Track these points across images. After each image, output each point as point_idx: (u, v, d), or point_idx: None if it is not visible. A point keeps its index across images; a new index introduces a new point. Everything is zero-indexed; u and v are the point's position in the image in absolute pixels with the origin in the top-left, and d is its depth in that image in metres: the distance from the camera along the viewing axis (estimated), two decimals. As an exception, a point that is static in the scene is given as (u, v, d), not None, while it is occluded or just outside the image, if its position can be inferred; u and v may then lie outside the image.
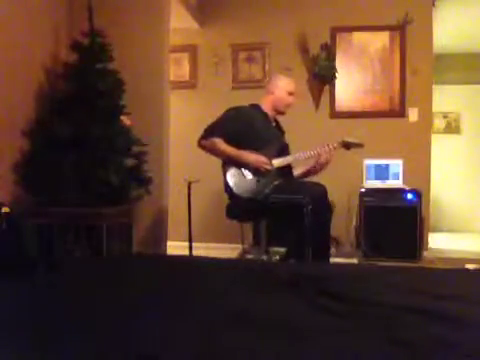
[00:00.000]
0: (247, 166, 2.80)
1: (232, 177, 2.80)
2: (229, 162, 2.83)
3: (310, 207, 2.56)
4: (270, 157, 2.84)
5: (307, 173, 3.03)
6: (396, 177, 3.99)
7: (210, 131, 2.87)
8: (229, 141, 2.83)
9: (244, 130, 2.85)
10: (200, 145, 2.92)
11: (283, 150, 2.95)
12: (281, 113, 3.06)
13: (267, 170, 2.79)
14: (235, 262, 2.33)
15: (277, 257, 2.93)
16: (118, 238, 2.89)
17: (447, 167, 6.01)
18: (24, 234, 2.00)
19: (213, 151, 2.89)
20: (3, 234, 1.90)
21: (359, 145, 2.97)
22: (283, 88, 3.00)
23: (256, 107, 3.03)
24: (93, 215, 2.68)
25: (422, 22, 4.18)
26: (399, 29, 4.22)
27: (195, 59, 4.58)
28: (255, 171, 2.80)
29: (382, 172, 4.01)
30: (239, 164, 2.81)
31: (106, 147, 2.76)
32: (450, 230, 5.74)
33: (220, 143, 2.83)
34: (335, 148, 2.89)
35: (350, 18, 4.29)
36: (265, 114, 3.02)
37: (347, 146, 2.94)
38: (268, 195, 2.73)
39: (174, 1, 3.69)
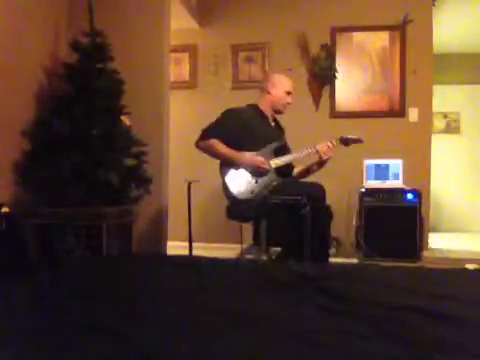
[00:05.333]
0: (245, 167, 2.79)
1: (230, 178, 2.80)
2: (227, 163, 2.83)
3: (308, 207, 2.56)
4: (268, 157, 2.83)
5: (307, 171, 3.03)
6: (396, 177, 3.99)
7: (207, 133, 2.87)
8: (227, 142, 2.82)
9: (241, 131, 2.85)
10: (198, 147, 2.91)
11: (282, 150, 2.95)
12: (280, 113, 3.06)
13: (265, 170, 2.79)
14: (235, 262, 2.33)
15: (276, 257, 2.93)
16: (118, 238, 2.88)
17: (447, 167, 6.00)
18: (24, 234, 2.00)
19: (210, 153, 2.88)
20: (3, 234, 1.90)
21: (358, 140, 2.96)
22: (281, 88, 2.99)
23: (254, 107, 3.02)
24: (93, 215, 2.68)
25: (422, 22, 4.18)
26: (399, 29, 4.22)
27: (195, 59, 4.58)
28: (253, 172, 2.79)
29: (382, 172, 4.01)
30: (237, 165, 2.80)
31: (106, 147, 2.76)
32: (450, 230, 5.74)
33: (217, 144, 2.82)
34: (334, 145, 2.88)
35: (350, 18, 4.29)
36: (263, 114, 3.01)
37: (346, 142, 2.93)
38: (267, 196, 2.72)
39: (174, 1, 3.69)
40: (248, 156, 2.79)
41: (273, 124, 3.07)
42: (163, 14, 3.40)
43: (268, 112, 3.03)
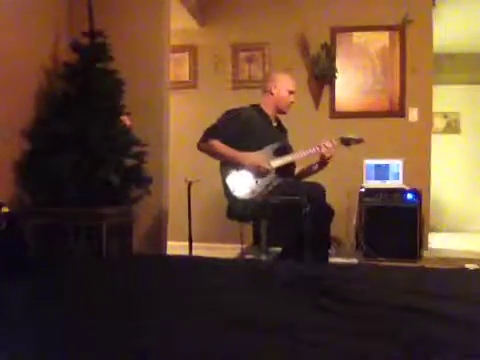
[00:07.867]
0: (246, 167, 2.79)
1: (231, 178, 2.80)
2: (228, 164, 2.83)
3: (308, 207, 2.56)
4: (269, 158, 2.83)
5: (308, 171, 3.02)
6: (396, 177, 3.99)
7: (209, 134, 2.87)
8: (228, 143, 2.82)
9: (243, 131, 2.85)
10: (199, 148, 2.91)
11: (284, 150, 2.94)
12: (283, 113, 3.05)
13: (266, 171, 2.79)
14: (235, 262, 2.33)
15: (276, 257, 2.93)
16: (118, 238, 2.89)
17: (447, 167, 6.00)
18: (24, 234, 2.00)
19: (212, 153, 2.88)
20: (3, 234, 1.90)
21: (359, 140, 2.96)
22: (283, 87, 2.98)
23: (256, 108, 3.02)
24: (93, 215, 2.68)
25: (422, 22, 4.18)
26: (399, 29, 4.22)
27: (195, 59, 4.59)
28: (254, 172, 2.79)
29: (382, 172, 4.01)
30: (238, 165, 2.80)
31: (106, 147, 2.76)
32: (450, 230, 5.74)
33: (218, 145, 2.82)
34: (334, 145, 2.88)
35: (350, 18, 4.29)
36: (265, 114, 3.00)
37: (346, 142, 2.93)
38: (267, 196, 2.72)
39: (174, 1, 3.69)
40: (249, 156, 2.79)
41: (275, 125, 3.07)
42: (163, 14, 3.40)
43: (271, 112, 3.02)
